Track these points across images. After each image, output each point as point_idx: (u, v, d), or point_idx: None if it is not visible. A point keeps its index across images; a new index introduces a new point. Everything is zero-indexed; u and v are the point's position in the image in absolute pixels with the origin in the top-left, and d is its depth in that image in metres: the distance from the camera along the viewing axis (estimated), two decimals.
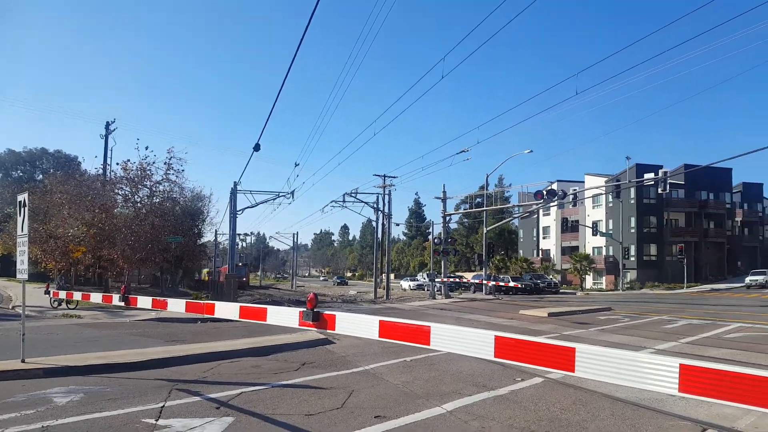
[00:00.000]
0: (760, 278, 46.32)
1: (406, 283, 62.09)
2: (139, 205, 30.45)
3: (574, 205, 63.90)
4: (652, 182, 44.78)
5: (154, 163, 29.56)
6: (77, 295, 15.75)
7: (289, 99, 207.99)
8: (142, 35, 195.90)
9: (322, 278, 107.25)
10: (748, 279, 47.54)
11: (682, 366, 2.65)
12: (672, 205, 58.61)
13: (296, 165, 34.48)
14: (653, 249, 58.52)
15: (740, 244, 64.90)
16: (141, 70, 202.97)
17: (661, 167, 41.79)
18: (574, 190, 48.69)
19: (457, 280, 50.09)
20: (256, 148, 14.18)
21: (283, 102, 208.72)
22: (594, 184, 59.29)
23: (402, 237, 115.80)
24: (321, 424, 5.90)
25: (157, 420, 5.87)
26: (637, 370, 2.83)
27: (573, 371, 3.01)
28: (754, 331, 15.42)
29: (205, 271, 63.66)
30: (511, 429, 5.78)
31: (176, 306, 8.38)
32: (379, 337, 4.32)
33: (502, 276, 50.17)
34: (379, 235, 47.24)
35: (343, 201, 41.70)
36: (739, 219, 66.02)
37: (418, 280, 61.48)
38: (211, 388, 7.52)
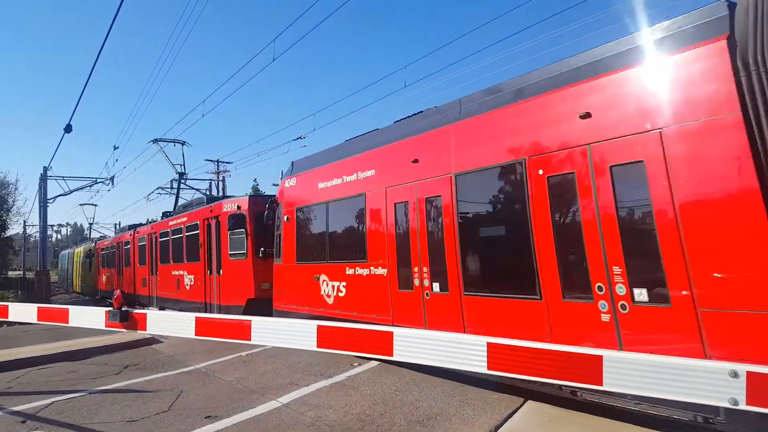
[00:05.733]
0: None
1: None
2: None
3: None
4: None
5: None
6: None
7: (108, 78, 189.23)
8: None
9: None
10: None
11: (489, 344, 2.72)
12: None
13: (115, 148, 30.76)
14: None
15: None
16: None
17: None
18: None
19: None
20: (68, 129, 12.51)
21: (102, 82, 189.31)
22: None
23: None
24: (144, 430, 5.46)
25: None
26: (451, 351, 2.86)
27: (392, 356, 2.99)
28: None
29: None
30: (347, 415, 5.79)
31: None
32: (196, 335, 3.98)
33: None
34: None
35: (171, 187, 37.99)
36: None
37: None
38: (16, 399, 6.75)
